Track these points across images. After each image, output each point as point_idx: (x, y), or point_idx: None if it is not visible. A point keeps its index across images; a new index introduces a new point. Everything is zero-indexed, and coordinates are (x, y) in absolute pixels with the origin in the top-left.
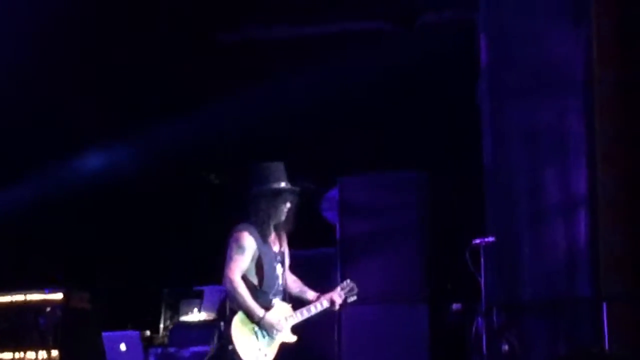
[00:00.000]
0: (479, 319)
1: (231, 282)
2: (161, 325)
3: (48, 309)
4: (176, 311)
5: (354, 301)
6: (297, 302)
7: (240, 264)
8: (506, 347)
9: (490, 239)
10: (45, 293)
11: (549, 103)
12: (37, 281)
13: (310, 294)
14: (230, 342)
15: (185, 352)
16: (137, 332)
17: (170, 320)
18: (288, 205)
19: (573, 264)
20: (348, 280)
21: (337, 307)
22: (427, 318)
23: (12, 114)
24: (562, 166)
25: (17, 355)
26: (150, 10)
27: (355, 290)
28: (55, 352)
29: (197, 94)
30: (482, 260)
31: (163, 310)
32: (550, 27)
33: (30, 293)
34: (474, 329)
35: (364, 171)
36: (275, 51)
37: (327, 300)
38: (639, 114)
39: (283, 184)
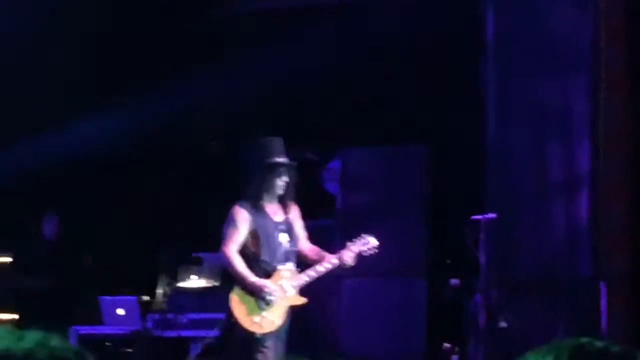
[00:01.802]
0: (477, 295)
1: (224, 254)
2: (159, 291)
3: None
4: (174, 277)
5: (353, 273)
6: None
7: (234, 237)
8: (504, 324)
9: (491, 215)
10: None
11: (555, 80)
12: None
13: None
14: (231, 314)
15: (184, 319)
16: (135, 297)
17: (169, 286)
18: (284, 179)
19: (573, 243)
20: (365, 236)
21: (348, 263)
22: (425, 292)
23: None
24: (565, 144)
25: (17, 316)
26: None
27: (373, 244)
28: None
29: (201, 61)
30: (481, 236)
31: (161, 276)
32: (557, 5)
33: None
34: (471, 304)
35: (366, 143)
36: (279, 20)
37: (335, 258)
38: None
39: (277, 159)
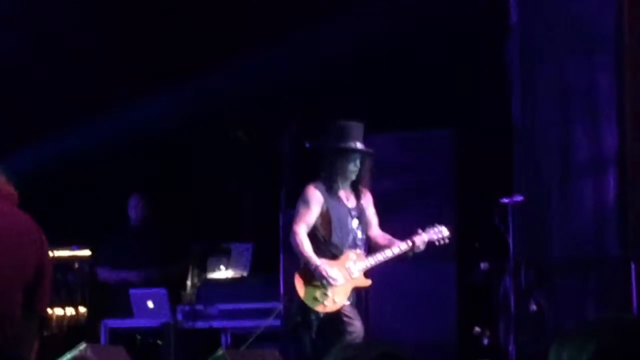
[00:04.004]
0: (507, 278)
1: (293, 232)
2: (188, 283)
3: (76, 266)
4: (203, 269)
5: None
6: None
7: (305, 216)
8: (534, 307)
9: (519, 198)
10: (73, 250)
11: (580, 60)
12: (65, 238)
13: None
14: (296, 293)
15: (213, 310)
16: (165, 289)
17: (198, 277)
18: (357, 165)
19: (602, 224)
20: (438, 225)
21: (420, 248)
22: (454, 276)
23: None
24: (592, 124)
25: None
26: None
27: (445, 234)
28: (83, 309)
29: (224, 50)
30: (510, 219)
31: (191, 268)
32: None
33: (58, 250)
34: (501, 288)
35: (391, 128)
36: (300, 6)
37: (406, 243)
38: None
39: (352, 144)
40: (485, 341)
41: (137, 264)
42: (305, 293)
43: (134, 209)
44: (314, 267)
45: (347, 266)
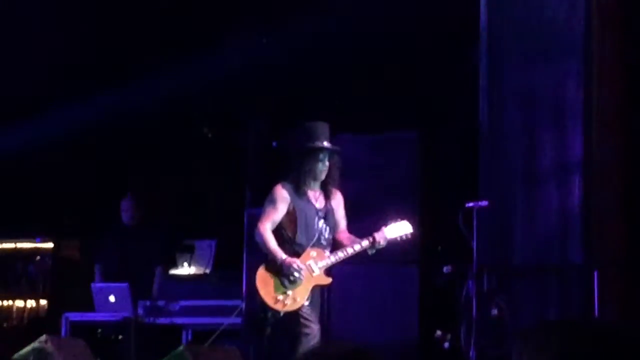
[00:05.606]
0: (470, 282)
1: (257, 229)
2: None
3: (38, 258)
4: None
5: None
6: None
7: (270, 215)
8: (495, 311)
9: (484, 203)
10: (35, 242)
11: (548, 66)
12: (27, 230)
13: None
14: (257, 292)
15: (175, 306)
16: (127, 284)
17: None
18: (326, 164)
19: (565, 230)
20: (400, 220)
21: (381, 244)
22: (417, 279)
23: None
24: (557, 131)
25: (5, 303)
26: None
27: (407, 230)
28: (44, 301)
29: (189, 46)
30: (474, 223)
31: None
32: None
33: (20, 241)
34: (464, 292)
35: (358, 130)
36: (270, 4)
37: (367, 240)
38: (638, 79)
39: (319, 143)
40: (447, 345)
41: (132, 266)
42: (266, 291)
43: (126, 210)
44: (280, 260)
45: (307, 264)
